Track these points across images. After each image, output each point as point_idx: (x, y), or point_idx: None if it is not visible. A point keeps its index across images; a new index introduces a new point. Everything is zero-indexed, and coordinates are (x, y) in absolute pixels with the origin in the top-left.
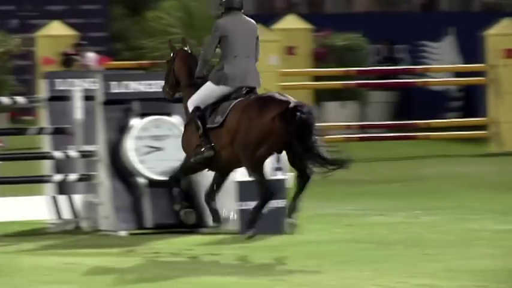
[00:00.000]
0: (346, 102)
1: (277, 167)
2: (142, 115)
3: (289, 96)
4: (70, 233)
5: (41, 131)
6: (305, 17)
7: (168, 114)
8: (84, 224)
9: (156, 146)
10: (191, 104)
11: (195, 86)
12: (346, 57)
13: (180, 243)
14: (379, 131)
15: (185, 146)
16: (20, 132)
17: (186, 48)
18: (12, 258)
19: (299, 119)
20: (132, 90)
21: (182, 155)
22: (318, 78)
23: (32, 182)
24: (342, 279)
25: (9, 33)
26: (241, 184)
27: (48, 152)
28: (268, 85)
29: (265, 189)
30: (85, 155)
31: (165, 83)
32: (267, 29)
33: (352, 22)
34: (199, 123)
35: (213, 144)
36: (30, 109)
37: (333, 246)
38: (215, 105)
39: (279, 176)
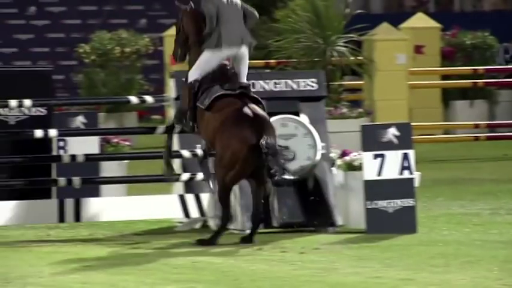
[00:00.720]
0: (475, 101)
1: (405, 166)
2: (269, 114)
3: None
4: (197, 232)
5: None
6: (433, 15)
7: (296, 113)
8: (212, 223)
9: (283, 145)
10: (191, 75)
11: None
12: (474, 56)
13: (306, 242)
14: (507, 130)
15: (181, 99)
16: (148, 131)
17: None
18: (140, 256)
19: (265, 154)
20: (259, 89)
21: (310, 154)
22: (446, 77)
23: (159, 181)
24: (470, 278)
25: (138, 33)
26: (369, 183)
27: (176, 151)
28: (396, 84)
29: (226, 213)
30: (213, 154)
31: (175, 45)
32: (396, 28)
33: (480, 20)
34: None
35: (195, 123)
36: (158, 108)
37: (461, 245)
38: (209, 85)
39: (407, 175)
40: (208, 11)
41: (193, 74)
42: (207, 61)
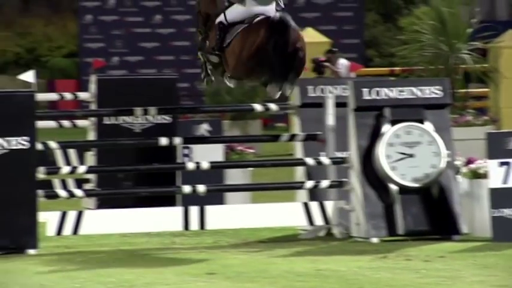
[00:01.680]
0: None
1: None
2: (394, 122)
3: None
4: (322, 240)
5: (292, 138)
6: None
7: (420, 121)
8: (336, 231)
9: (407, 153)
10: (218, 19)
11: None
12: None
13: (431, 250)
14: None
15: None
16: (272, 139)
17: None
18: (264, 264)
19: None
20: (384, 97)
21: (434, 161)
22: None
23: (283, 189)
24: None
25: None
26: (495, 191)
27: (300, 159)
28: None
29: None
30: (337, 161)
31: (196, 29)
32: None
33: None
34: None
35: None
36: (282, 116)
37: None
38: (232, 26)
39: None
40: None
41: (219, 18)
42: (232, 12)
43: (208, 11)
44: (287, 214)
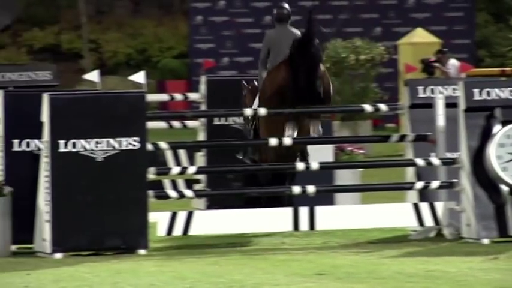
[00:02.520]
0: None
1: None
2: (505, 122)
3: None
4: (432, 240)
5: (403, 139)
6: None
7: None
8: (446, 232)
9: None
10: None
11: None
12: None
13: None
14: None
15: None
16: (382, 139)
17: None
18: (374, 265)
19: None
20: (495, 97)
21: None
22: None
23: (393, 189)
24: None
25: (373, 41)
26: None
27: (411, 160)
28: None
29: None
30: (447, 162)
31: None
32: None
33: None
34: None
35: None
36: (392, 117)
37: None
38: None
39: None
40: None
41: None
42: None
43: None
44: (397, 215)
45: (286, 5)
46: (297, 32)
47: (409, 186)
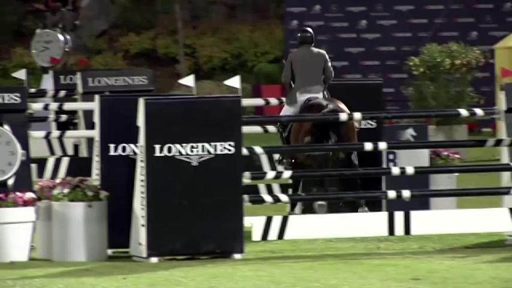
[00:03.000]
0: None
1: None
2: None
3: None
4: None
5: (499, 143)
6: None
7: None
8: None
9: None
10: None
11: None
12: None
13: None
14: None
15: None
16: (478, 144)
17: None
18: (470, 270)
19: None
20: None
21: None
22: None
23: (489, 194)
24: None
25: (469, 45)
26: None
27: (507, 164)
28: None
29: None
30: None
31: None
32: None
33: None
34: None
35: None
36: (488, 121)
37: None
38: None
39: None
40: None
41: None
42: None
43: None
44: (493, 220)
45: (310, 29)
46: (320, 52)
47: (506, 191)
